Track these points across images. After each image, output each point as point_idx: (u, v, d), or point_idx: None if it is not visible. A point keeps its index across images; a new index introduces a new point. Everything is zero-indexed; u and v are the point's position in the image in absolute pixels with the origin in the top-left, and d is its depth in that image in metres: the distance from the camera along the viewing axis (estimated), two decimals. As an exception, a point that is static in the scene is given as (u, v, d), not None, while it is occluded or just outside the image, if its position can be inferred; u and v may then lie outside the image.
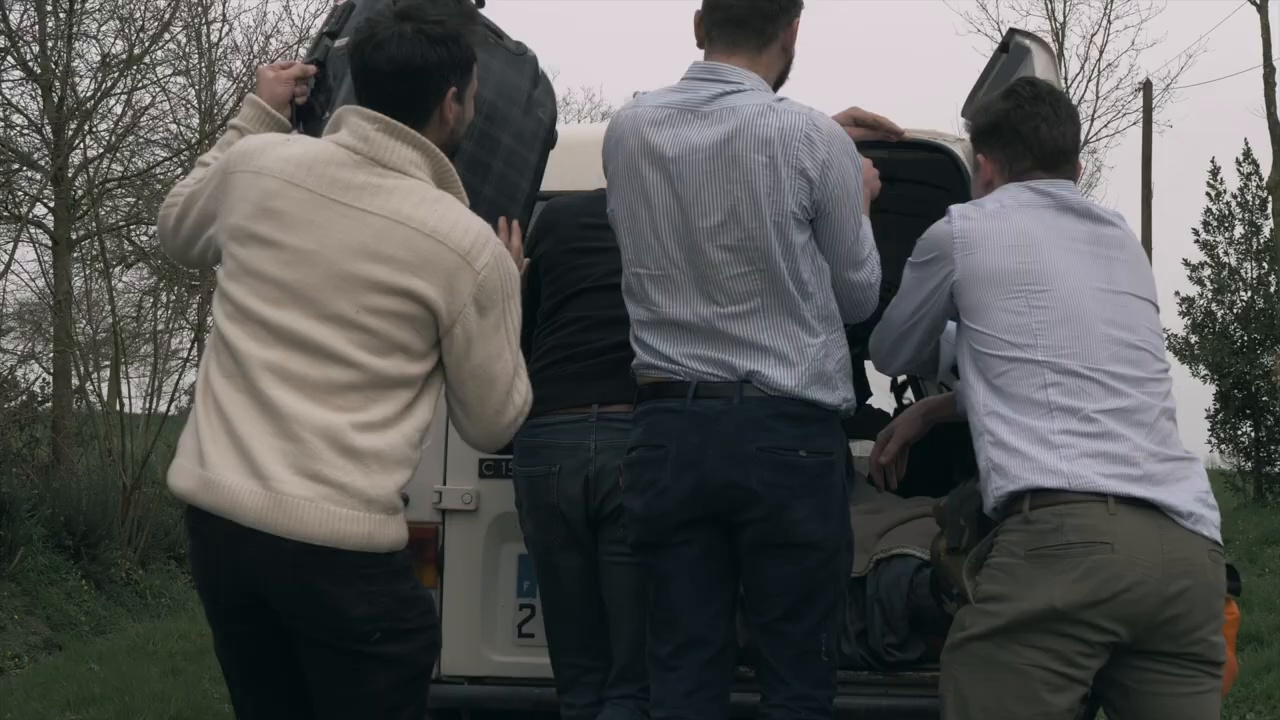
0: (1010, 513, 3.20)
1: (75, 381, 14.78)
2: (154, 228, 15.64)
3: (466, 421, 3.34)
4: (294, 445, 3.04)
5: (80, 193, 14.43)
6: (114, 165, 15.21)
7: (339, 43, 3.58)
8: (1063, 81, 33.19)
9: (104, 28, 14.81)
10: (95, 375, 15.38)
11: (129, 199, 15.76)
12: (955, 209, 3.48)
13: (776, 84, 3.60)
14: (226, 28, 16.52)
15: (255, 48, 16.57)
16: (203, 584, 3.26)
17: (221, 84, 16.83)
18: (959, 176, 4.72)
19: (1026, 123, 3.45)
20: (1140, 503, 3.15)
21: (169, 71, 15.42)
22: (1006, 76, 4.53)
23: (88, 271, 15.08)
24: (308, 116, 3.62)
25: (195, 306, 16.04)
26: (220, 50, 16.38)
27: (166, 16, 14.88)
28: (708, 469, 3.45)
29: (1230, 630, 3.35)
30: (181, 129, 16.38)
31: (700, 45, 3.57)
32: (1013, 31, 4.51)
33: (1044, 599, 3.10)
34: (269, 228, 3.15)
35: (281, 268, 3.12)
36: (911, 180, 5.40)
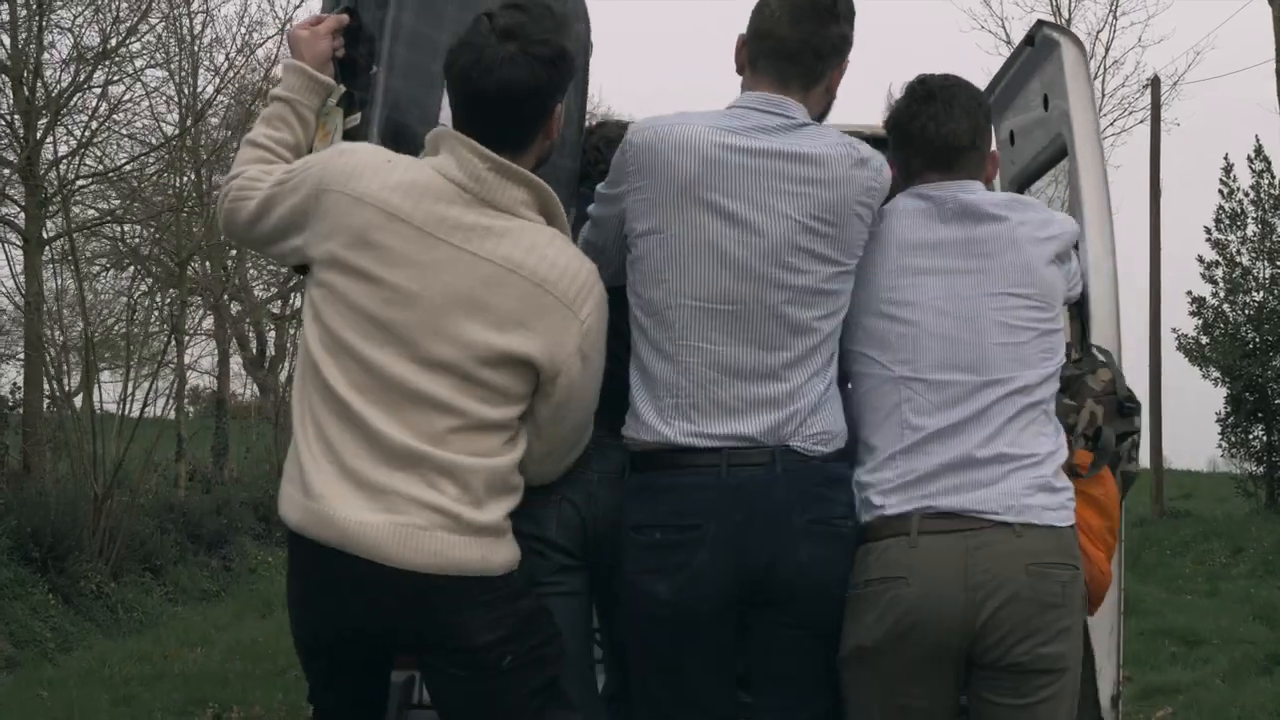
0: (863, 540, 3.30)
1: (46, 386, 14.18)
2: (132, 226, 15.21)
3: (545, 458, 3.30)
4: (402, 474, 3.01)
5: (51, 190, 13.89)
6: (88, 161, 14.68)
7: None
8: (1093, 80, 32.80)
9: (79, 19, 14.29)
10: (67, 379, 14.82)
11: (107, 195, 15.21)
12: None
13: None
14: (207, 19, 16.00)
15: (239, 40, 16.06)
16: (306, 618, 3.19)
17: (203, 78, 16.33)
18: None
19: (914, 122, 3.45)
20: (949, 516, 3.16)
21: (144, 64, 14.89)
22: (1030, 72, 4.40)
23: (60, 271, 14.57)
24: (350, 71, 3.43)
25: (172, 306, 15.45)
26: (202, 43, 15.91)
27: (144, 7, 14.35)
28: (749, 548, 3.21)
29: (1098, 521, 3.43)
30: (160, 123, 15.89)
31: (740, 71, 3.35)
32: (1040, 24, 4.23)
33: (854, 640, 3.22)
34: (370, 261, 3.05)
35: (382, 305, 3.04)
36: None
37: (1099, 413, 3.58)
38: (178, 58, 15.60)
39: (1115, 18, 32.95)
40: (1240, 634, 9.99)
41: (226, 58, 15.95)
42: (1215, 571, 16.62)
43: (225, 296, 20.34)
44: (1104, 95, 33.82)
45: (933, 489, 3.20)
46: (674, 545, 3.19)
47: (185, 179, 16.21)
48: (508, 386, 3.11)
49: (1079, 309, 3.82)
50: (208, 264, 19.39)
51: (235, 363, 20.96)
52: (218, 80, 16.14)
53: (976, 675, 3.22)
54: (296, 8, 16.01)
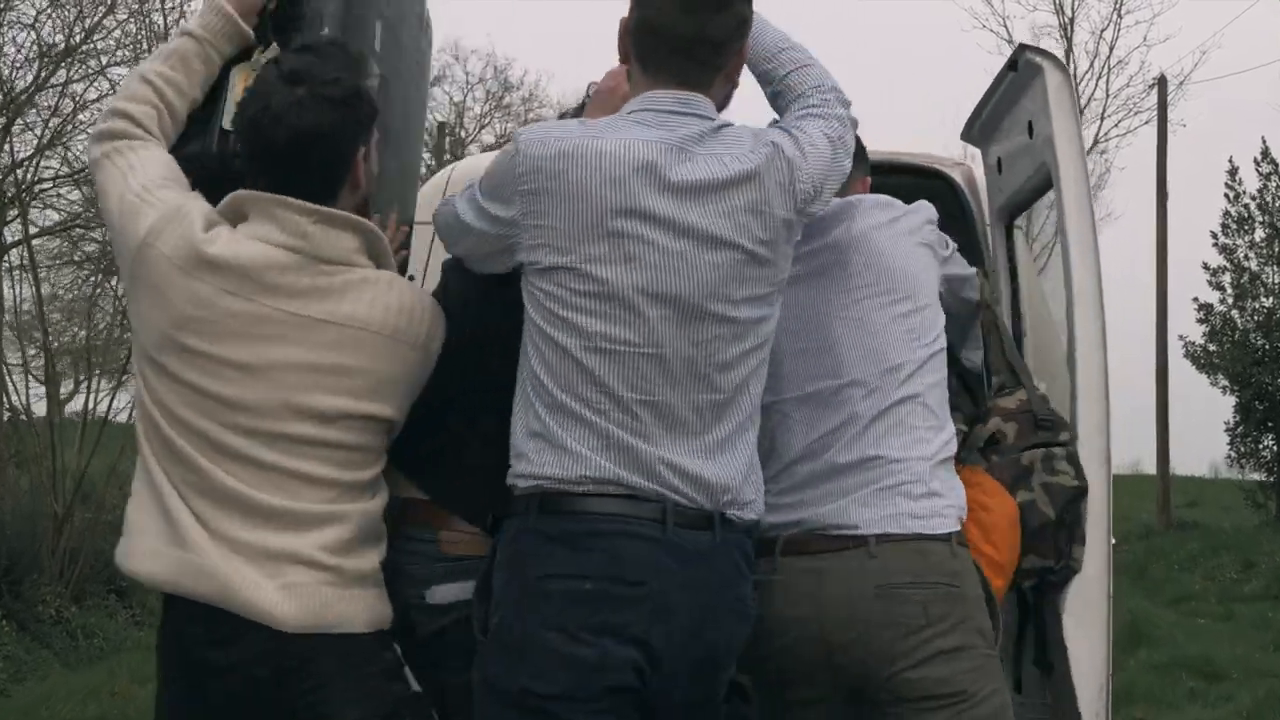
0: None
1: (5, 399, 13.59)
2: (99, 230, 14.62)
3: None
4: (273, 532, 2.87)
5: (10, 194, 13.29)
6: (52, 163, 14.08)
7: None
8: (1079, 96, 32.35)
9: (41, 15, 13.69)
10: (26, 389, 14.23)
11: (70, 199, 14.62)
12: None
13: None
14: (176, 14, 15.33)
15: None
16: (185, 679, 2.94)
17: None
18: (957, 203, 4.55)
19: None
20: (809, 538, 3.06)
21: (107, 61, 14.26)
22: (1014, 98, 4.33)
23: (20, 280, 14.01)
24: (283, 28, 3.22)
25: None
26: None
27: (110, 1, 13.75)
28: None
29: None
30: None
31: (624, 61, 3.02)
32: (1022, 48, 4.15)
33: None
34: (202, 340, 2.87)
35: (224, 384, 2.87)
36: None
37: (1008, 430, 3.55)
38: (147, 55, 15.00)
39: (1120, 16, 32.48)
40: (1262, 665, 9.45)
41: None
42: (1226, 589, 16.13)
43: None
44: (1108, 95, 33.43)
45: (799, 506, 3.08)
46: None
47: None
48: (373, 444, 3.00)
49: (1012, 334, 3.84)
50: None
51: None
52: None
53: (867, 712, 3.07)
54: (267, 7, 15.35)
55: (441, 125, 38.31)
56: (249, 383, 2.87)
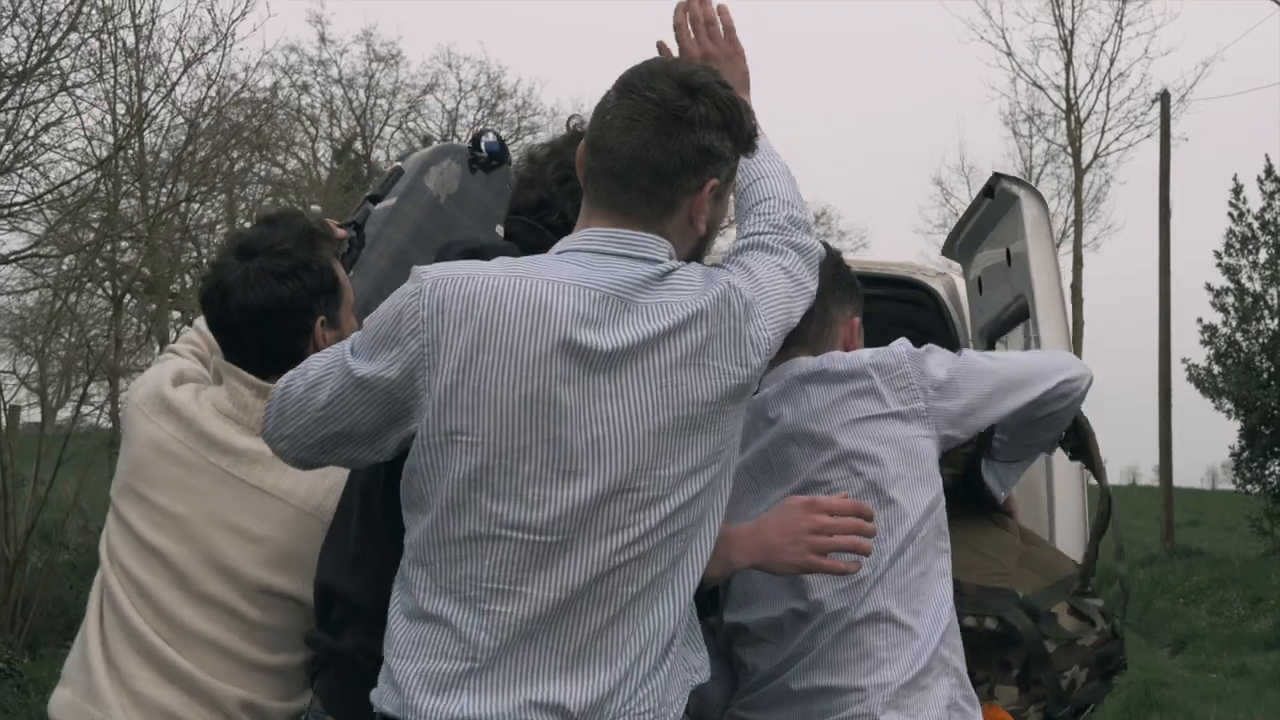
0: None
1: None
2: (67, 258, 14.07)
3: None
4: (176, 695, 2.93)
5: (-34, 225, 12.69)
6: (6, 186, 13.48)
7: (381, 205, 3.67)
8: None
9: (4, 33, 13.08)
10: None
11: (25, 226, 14.01)
12: None
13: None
14: (147, 30, 14.73)
15: (185, 54, 14.82)
16: None
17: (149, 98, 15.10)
18: (939, 316, 4.66)
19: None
20: None
21: (71, 81, 13.65)
22: (991, 223, 4.39)
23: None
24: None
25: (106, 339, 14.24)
26: (139, 56, 14.65)
27: (71, 19, 13.14)
28: None
29: None
30: (94, 145, 14.67)
31: (581, 180, 2.53)
32: (998, 176, 4.19)
33: None
34: (148, 486, 3.02)
35: (159, 534, 2.99)
36: (887, 320, 4.66)
37: (1079, 677, 3.18)
38: (112, 74, 14.43)
39: (1120, 28, 32.08)
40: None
41: (165, 74, 14.75)
42: (1235, 628, 15.58)
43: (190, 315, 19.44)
44: (1108, 109, 32.99)
45: None
46: None
47: (125, 202, 15.06)
48: (282, 625, 2.97)
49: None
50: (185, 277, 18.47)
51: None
52: (157, 96, 14.93)
53: None
54: (236, 21, 14.74)
55: (427, 140, 37.80)
56: (179, 535, 2.96)
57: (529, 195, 2.99)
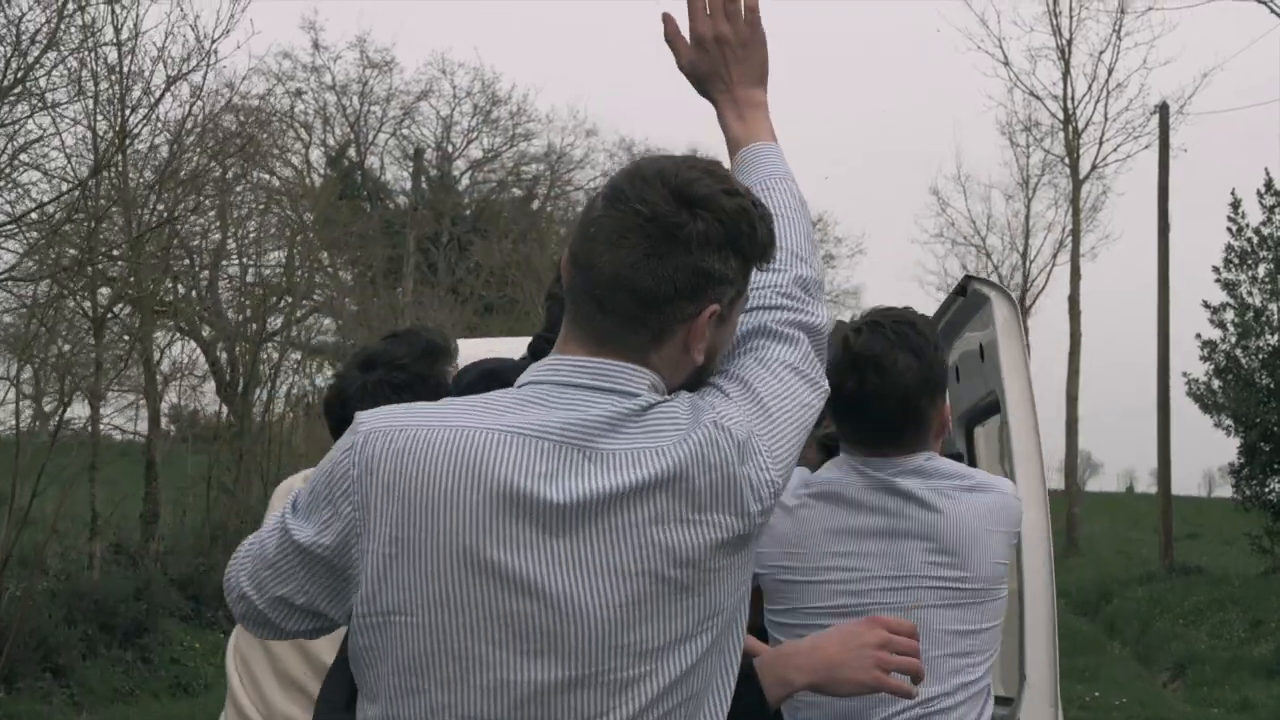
0: None
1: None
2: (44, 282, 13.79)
3: None
4: None
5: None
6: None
7: None
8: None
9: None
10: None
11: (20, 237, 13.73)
12: None
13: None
14: (129, 47, 14.48)
15: (168, 71, 14.56)
16: None
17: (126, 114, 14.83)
18: None
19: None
20: None
21: (50, 100, 13.38)
22: (964, 320, 4.58)
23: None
24: None
25: (90, 367, 13.95)
26: (122, 74, 14.39)
27: (51, 36, 12.87)
28: None
29: None
30: (74, 163, 14.42)
31: (563, 290, 2.15)
32: (969, 278, 4.31)
33: None
34: None
35: None
36: None
37: None
38: (93, 91, 14.17)
39: (1119, 38, 31.81)
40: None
41: (146, 91, 14.52)
42: (1234, 650, 15.33)
43: (196, 320, 19.24)
44: (1106, 119, 32.76)
45: None
46: None
47: (107, 224, 14.78)
48: None
49: None
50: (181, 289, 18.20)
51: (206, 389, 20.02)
52: (140, 114, 14.67)
53: None
54: (215, 41, 14.49)
55: (418, 152, 37.60)
56: None
57: (555, 311, 2.73)
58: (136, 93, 14.62)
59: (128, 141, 14.73)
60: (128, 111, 14.46)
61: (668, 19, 2.47)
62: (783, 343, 2.15)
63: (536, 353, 2.74)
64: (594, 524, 1.91)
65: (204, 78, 14.93)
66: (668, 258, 1.98)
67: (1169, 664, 15.68)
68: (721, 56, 2.40)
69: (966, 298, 4.35)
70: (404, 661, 1.93)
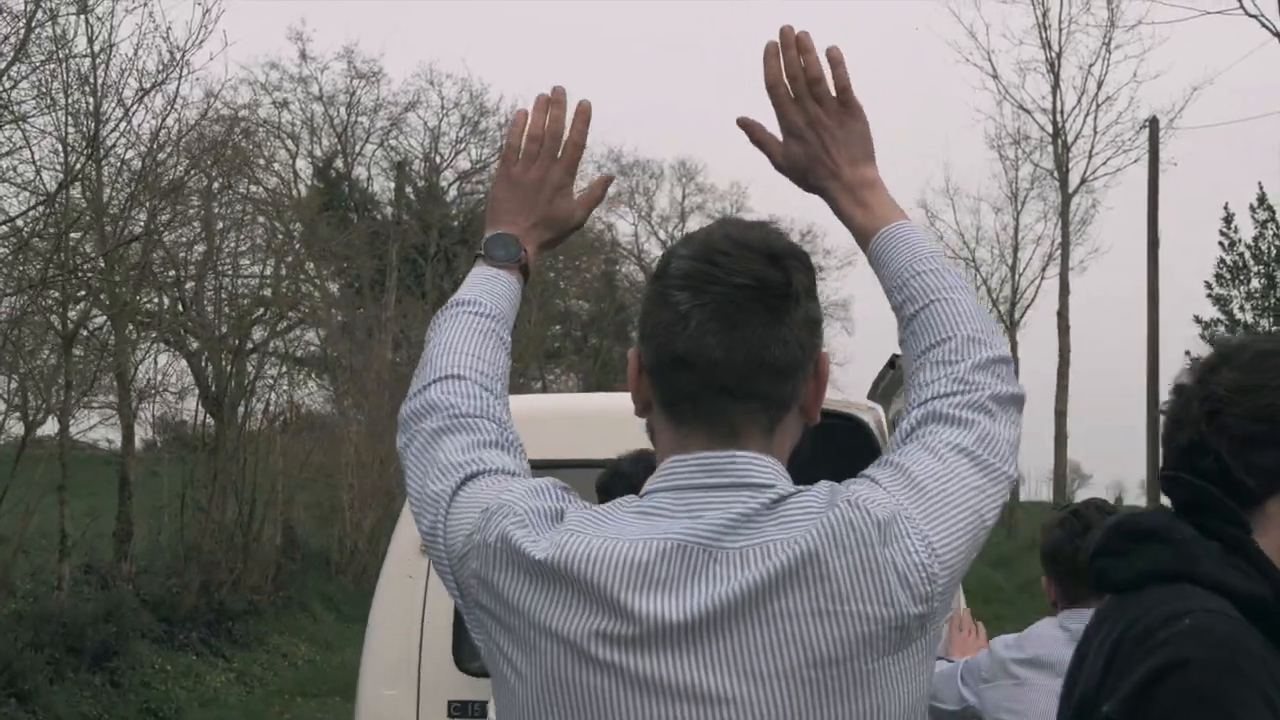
0: None
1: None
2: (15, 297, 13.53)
3: None
4: None
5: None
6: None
7: None
8: (1067, 142, 31.34)
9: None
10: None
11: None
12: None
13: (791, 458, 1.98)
14: (103, 58, 14.24)
15: (142, 83, 14.32)
16: None
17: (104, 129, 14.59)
18: (868, 445, 5.06)
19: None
20: None
21: (11, 117, 13.12)
22: (896, 388, 5.18)
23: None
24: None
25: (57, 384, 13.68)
26: (95, 85, 14.14)
27: (12, 51, 12.62)
28: None
29: None
30: (44, 176, 14.18)
31: (643, 413, 1.99)
32: (896, 356, 4.59)
33: None
34: None
35: None
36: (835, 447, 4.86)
37: None
38: (64, 103, 13.92)
39: (1109, 51, 31.68)
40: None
41: (119, 103, 14.26)
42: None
43: (181, 332, 19.00)
44: (1095, 133, 32.61)
45: None
46: None
47: (82, 237, 14.54)
48: None
49: None
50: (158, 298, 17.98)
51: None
52: (112, 125, 14.44)
53: None
54: (186, 53, 14.26)
55: (400, 165, 37.46)
56: None
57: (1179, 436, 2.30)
58: (109, 105, 14.34)
59: (101, 154, 14.49)
60: (100, 123, 14.21)
61: (749, 124, 2.30)
62: (953, 425, 1.96)
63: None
64: (717, 634, 1.76)
65: (177, 89, 14.61)
66: (787, 319, 1.86)
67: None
68: (820, 143, 2.20)
69: (894, 370, 4.96)
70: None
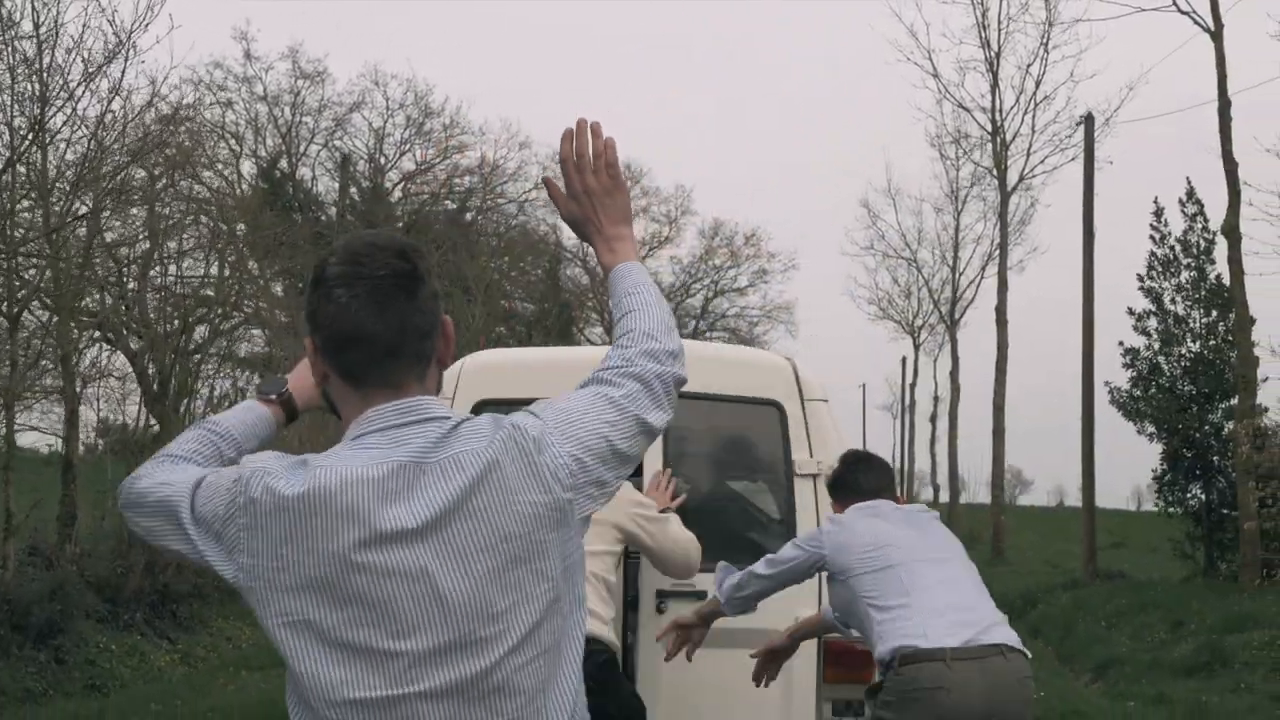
0: (888, 667, 4.77)
1: None
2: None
3: None
4: None
5: None
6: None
7: None
8: (1005, 133, 31.77)
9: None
10: None
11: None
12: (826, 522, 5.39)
13: None
14: (50, 43, 14.28)
15: (86, 66, 14.38)
16: None
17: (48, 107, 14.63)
18: (796, 384, 6.36)
19: (855, 476, 5.38)
20: (972, 649, 4.67)
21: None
22: None
23: None
24: None
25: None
26: (41, 67, 14.20)
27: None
28: None
29: None
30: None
31: (322, 384, 2.68)
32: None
33: None
34: None
35: None
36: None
37: None
38: (8, 87, 13.94)
39: (1046, 51, 32.14)
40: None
41: (64, 84, 14.32)
42: (1155, 651, 15.44)
43: (124, 332, 18.95)
44: (1034, 131, 33.08)
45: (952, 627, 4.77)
46: None
47: (25, 216, 14.59)
48: None
49: None
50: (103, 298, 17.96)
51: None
52: (57, 107, 14.48)
53: None
54: (136, 31, 14.34)
55: (344, 159, 37.44)
56: None
57: None
58: (54, 87, 14.37)
59: (46, 139, 14.54)
60: (46, 106, 14.26)
61: (548, 182, 3.03)
62: (605, 384, 2.71)
63: None
64: (440, 532, 2.43)
65: (123, 72, 14.67)
66: (419, 296, 2.55)
67: (1090, 666, 15.77)
68: (592, 206, 2.92)
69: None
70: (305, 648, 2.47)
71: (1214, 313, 23.55)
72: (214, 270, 22.40)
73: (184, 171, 19.80)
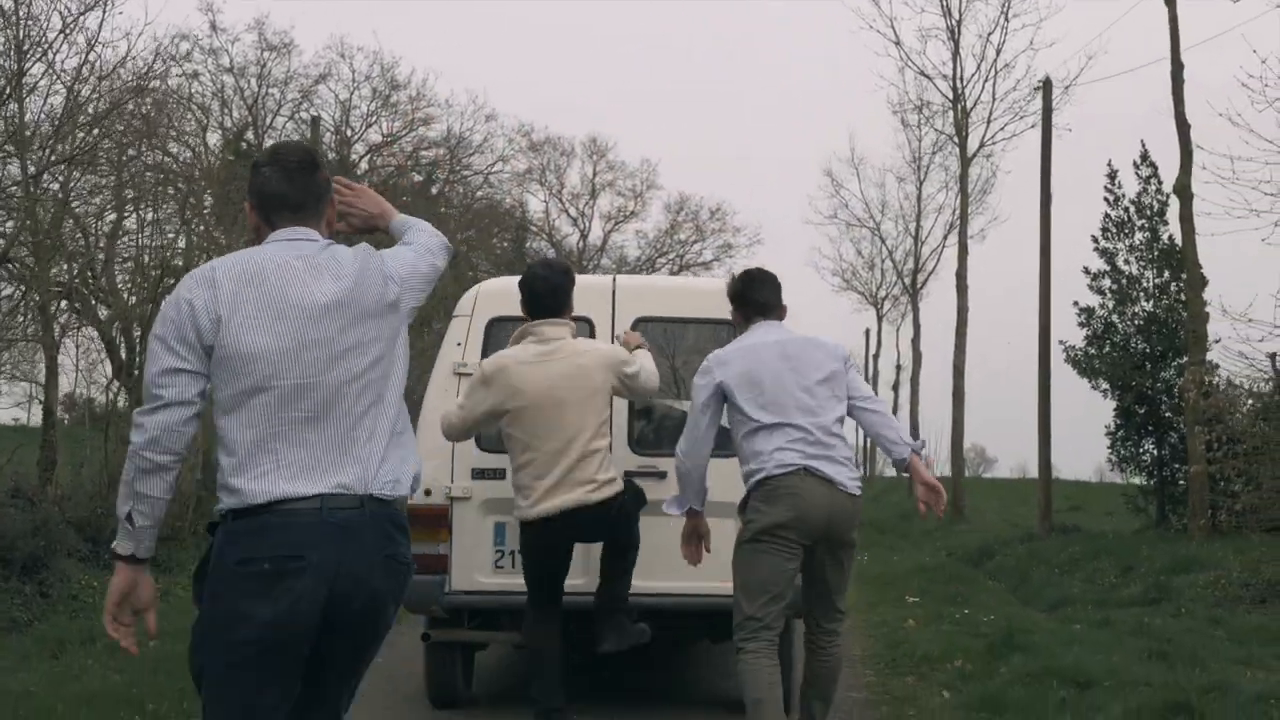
0: (757, 486, 6.37)
1: None
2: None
3: None
4: None
5: None
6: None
7: None
8: (965, 99, 32.15)
9: None
10: None
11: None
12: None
13: None
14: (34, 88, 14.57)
15: (63, 17, 14.66)
16: None
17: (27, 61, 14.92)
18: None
19: (749, 291, 6.86)
20: (818, 474, 6.30)
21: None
22: None
23: None
24: None
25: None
26: (17, 19, 14.49)
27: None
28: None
29: None
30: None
31: (258, 229, 4.19)
32: None
33: (769, 518, 6.29)
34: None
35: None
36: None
37: None
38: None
39: (1007, 20, 32.56)
40: (1135, 674, 9.11)
41: (42, 35, 14.61)
42: (1105, 593, 15.94)
43: (92, 300, 19.14)
44: (994, 99, 33.53)
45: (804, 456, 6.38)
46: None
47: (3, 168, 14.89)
48: None
49: None
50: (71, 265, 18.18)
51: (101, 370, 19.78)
52: (35, 59, 14.76)
53: (814, 551, 6.43)
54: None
55: (315, 119, 37.55)
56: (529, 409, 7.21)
57: None
58: (34, 37, 14.64)
59: (24, 93, 14.81)
60: (24, 58, 14.53)
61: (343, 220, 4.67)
62: (407, 247, 4.43)
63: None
64: (344, 305, 4.02)
65: (100, 25, 14.96)
66: (316, 176, 4.17)
67: (1043, 606, 16.23)
68: (362, 219, 4.57)
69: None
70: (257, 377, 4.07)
71: (1166, 273, 24.09)
72: (181, 242, 22.59)
73: (149, 143, 19.95)
